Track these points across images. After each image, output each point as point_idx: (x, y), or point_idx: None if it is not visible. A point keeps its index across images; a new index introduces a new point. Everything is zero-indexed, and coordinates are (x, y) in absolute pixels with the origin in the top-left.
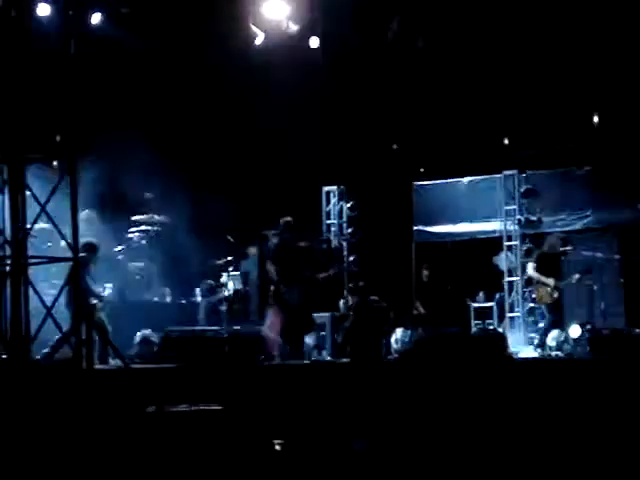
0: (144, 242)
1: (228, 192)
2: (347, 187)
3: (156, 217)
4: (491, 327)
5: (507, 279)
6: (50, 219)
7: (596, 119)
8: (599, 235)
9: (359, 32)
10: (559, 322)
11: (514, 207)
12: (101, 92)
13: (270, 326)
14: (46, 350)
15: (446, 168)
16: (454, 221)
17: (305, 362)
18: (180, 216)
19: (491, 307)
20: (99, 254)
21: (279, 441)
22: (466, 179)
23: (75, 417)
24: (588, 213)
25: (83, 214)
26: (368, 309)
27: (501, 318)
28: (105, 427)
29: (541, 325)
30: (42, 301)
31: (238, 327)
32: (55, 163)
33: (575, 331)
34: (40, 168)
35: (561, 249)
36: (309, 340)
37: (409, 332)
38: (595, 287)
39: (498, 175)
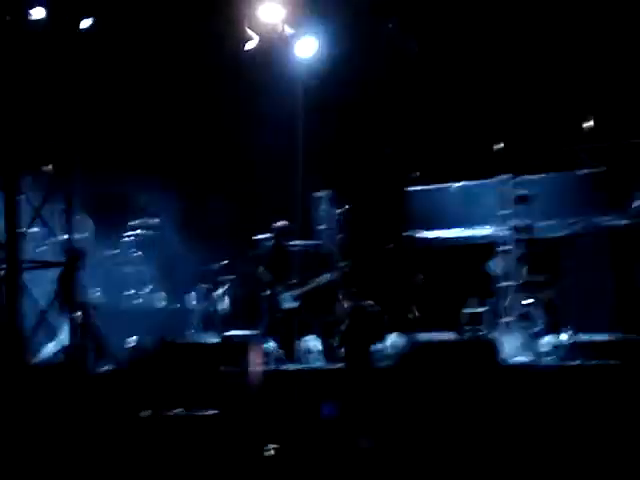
0: (138, 247)
1: (223, 196)
2: (338, 192)
3: (150, 222)
4: (483, 333)
5: (500, 284)
6: (44, 223)
7: (589, 124)
8: (590, 240)
9: (353, 36)
10: (555, 325)
11: (507, 212)
12: (94, 95)
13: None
14: (43, 355)
15: (439, 173)
16: (447, 226)
17: (299, 367)
18: (174, 221)
19: (483, 312)
20: (87, 260)
21: (273, 446)
22: (459, 184)
23: (70, 421)
24: (580, 218)
25: (77, 218)
26: (363, 314)
27: (494, 323)
28: (100, 432)
29: (534, 330)
30: (36, 306)
31: (232, 333)
32: (50, 167)
33: (565, 337)
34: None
35: (548, 252)
36: (303, 345)
37: (404, 336)
38: (586, 292)
39: (491, 180)
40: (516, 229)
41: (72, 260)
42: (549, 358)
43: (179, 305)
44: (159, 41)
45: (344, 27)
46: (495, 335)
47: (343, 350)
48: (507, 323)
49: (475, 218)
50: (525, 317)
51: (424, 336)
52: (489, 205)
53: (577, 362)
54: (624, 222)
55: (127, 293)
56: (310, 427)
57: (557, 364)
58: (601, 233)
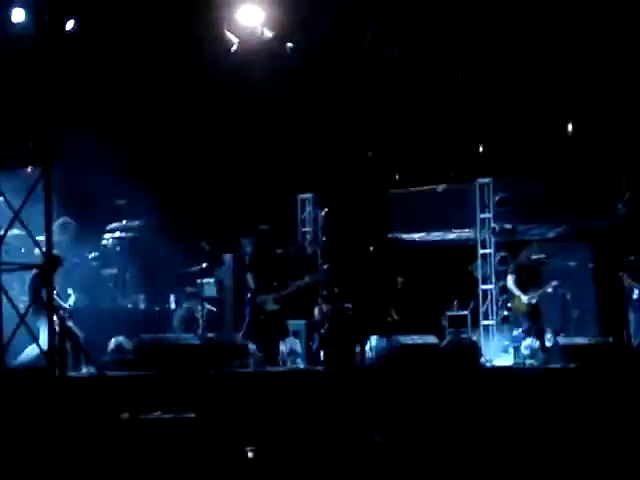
0: (117, 248)
1: (203, 199)
2: (322, 194)
3: (130, 223)
4: (465, 335)
5: (481, 287)
6: (23, 226)
7: (570, 128)
8: (573, 243)
9: (334, 39)
10: (538, 330)
11: (489, 215)
12: (72, 95)
13: None
14: (21, 359)
15: (421, 176)
16: (429, 229)
17: (279, 369)
18: (154, 222)
19: (465, 315)
20: (63, 262)
21: (252, 448)
22: (441, 187)
23: (48, 425)
24: (562, 221)
25: (59, 221)
26: (343, 316)
27: (475, 326)
28: (79, 434)
29: (515, 333)
30: (15, 308)
31: (212, 335)
32: (29, 169)
33: (548, 339)
34: (14, 174)
35: (534, 257)
36: (284, 347)
37: (384, 339)
38: (569, 295)
39: (473, 183)
40: (497, 232)
41: (47, 263)
42: (530, 361)
43: (159, 307)
44: (140, 44)
45: (325, 31)
46: (477, 338)
47: (323, 352)
48: (489, 326)
49: (456, 221)
50: (506, 320)
51: (405, 339)
52: (470, 208)
53: (558, 365)
54: (607, 225)
55: (107, 295)
56: (290, 429)
57: (538, 367)
58: (584, 236)
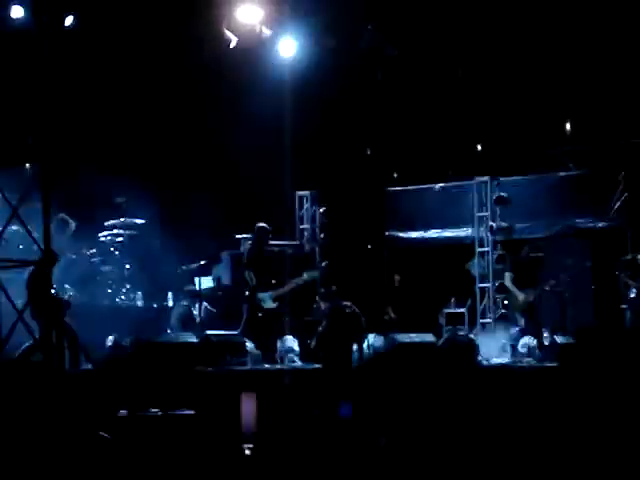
0: (116, 246)
1: (202, 196)
2: (320, 192)
3: (128, 221)
4: (462, 333)
5: (479, 285)
6: (22, 222)
7: (568, 126)
8: (570, 242)
9: (333, 37)
10: (535, 328)
11: (486, 214)
12: (72, 94)
13: None
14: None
15: (419, 174)
16: (426, 227)
17: (277, 367)
18: (152, 220)
19: (463, 313)
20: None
21: (249, 446)
22: (439, 185)
23: (46, 421)
24: (560, 220)
25: (57, 217)
26: (341, 315)
27: (472, 324)
28: (76, 431)
29: (512, 331)
30: (13, 305)
31: (210, 332)
32: (28, 166)
33: (545, 338)
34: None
35: (532, 255)
36: (281, 345)
37: (381, 337)
38: (566, 294)
39: (471, 181)
40: (494, 230)
41: (44, 259)
42: (528, 359)
43: (157, 305)
44: (139, 42)
45: (324, 29)
46: (474, 336)
47: (321, 351)
48: (486, 324)
49: (454, 219)
50: (504, 318)
51: (402, 337)
52: (468, 206)
53: (555, 364)
54: (604, 224)
55: (105, 292)
56: (286, 427)
57: (536, 365)
58: (581, 235)
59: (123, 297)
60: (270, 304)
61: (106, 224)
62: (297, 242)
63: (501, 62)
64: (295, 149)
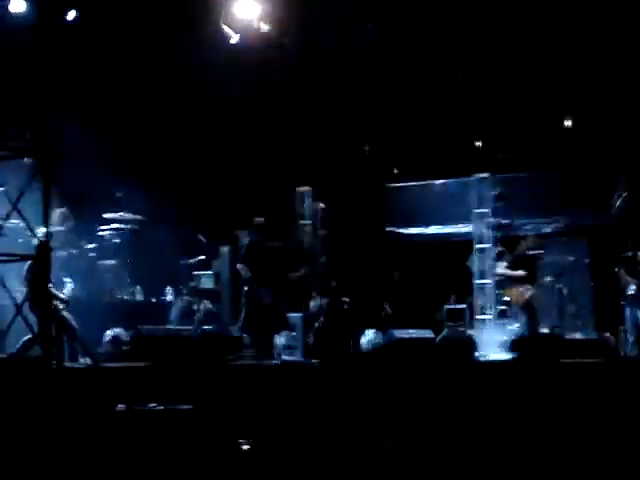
0: (115, 240)
1: (201, 191)
2: (320, 188)
3: (127, 215)
4: (461, 329)
5: (478, 281)
6: (21, 216)
7: (568, 123)
8: (570, 238)
9: (331, 33)
10: (533, 324)
11: (486, 210)
12: (70, 88)
13: None
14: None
15: (419, 170)
16: (426, 223)
17: (275, 362)
18: (151, 215)
19: (462, 309)
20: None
21: (247, 441)
22: (439, 181)
23: (44, 415)
24: (559, 216)
25: (57, 212)
26: (339, 310)
27: (472, 320)
28: (74, 425)
29: (511, 328)
30: (12, 299)
31: (209, 327)
32: (27, 160)
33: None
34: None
35: (531, 252)
36: (280, 340)
37: (379, 333)
38: (565, 290)
39: (470, 178)
40: (494, 227)
41: (42, 253)
42: None
43: (156, 299)
44: (138, 38)
45: (323, 25)
46: (473, 332)
47: (318, 346)
48: (485, 320)
49: (454, 216)
50: (503, 314)
51: (401, 333)
52: (468, 203)
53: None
54: (604, 221)
55: (104, 286)
56: (284, 422)
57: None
58: (581, 232)
59: (122, 292)
60: (269, 299)
61: (105, 218)
62: (297, 238)
63: (501, 59)
64: (295, 145)
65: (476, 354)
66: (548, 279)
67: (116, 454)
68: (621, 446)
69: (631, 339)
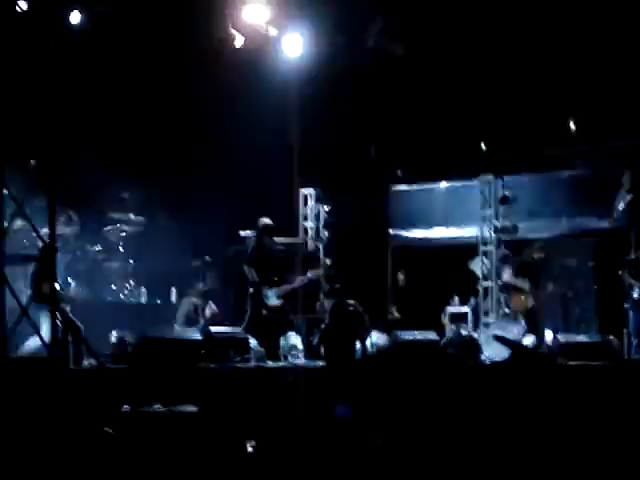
0: (120, 242)
1: (207, 192)
2: (324, 190)
3: (132, 217)
4: (465, 332)
5: (482, 284)
6: (26, 218)
7: (572, 125)
8: (574, 242)
9: (339, 36)
10: (535, 329)
11: (490, 212)
12: (79, 90)
13: None
14: (25, 350)
15: (423, 172)
16: (430, 225)
17: (281, 364)
18: (157, 216)
19: (466, 312)
20: (62, 254)
21: (252, 443)
22: (443, 184)
23: (49, 416)
24: (563, 219)
25: (62, 214)
26: (344, 312)
27: (476, 323)
28: (79, 427)
29: (515, 331)
30: (17, 300)
31: (214, 328)
32: (32, 162)
33: (548, 337)
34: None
35: (536, 255)
36: (284, 342)
37: (384, 336)
38: (569, 294)
39: (474, 181)
40: (498, 230)
41: (46, 255)
42: None
43: (161, 301)
44: (145, 39)
45: (331, 26)
46: (477, 335)
47: (323, 348)
48: (489, 323)
49: (458, 218)
50: (507, 317)
51: (405, 335)
52: (472, 205)
53: (557, 362)
54: (608, 224)
55: (109, 288)
56: (290, 424)
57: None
58: (585, 234)
59: (127, 293)
60: (275, 301)
61: (110, 219)
62: (301, 240)
63: (506, 60)
64: (300, 146)
65: (481, 357)
66: (551, 287)
67: (121, 455)
68: (624, 448)
69: (635, 342)
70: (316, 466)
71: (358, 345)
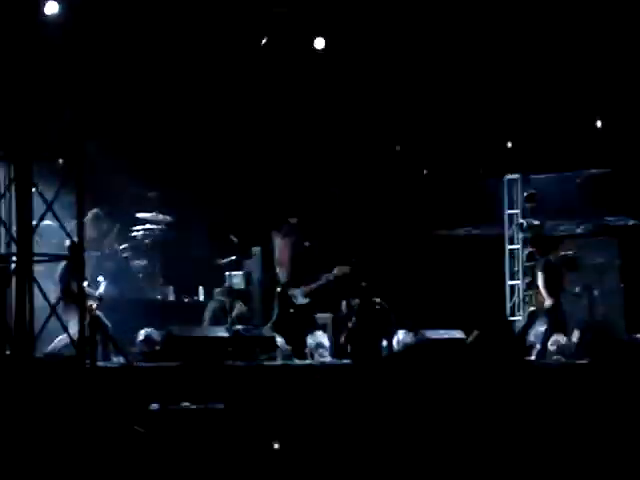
0: (148, 240)
1: (233, 191)
2: (348, 189)
3: (160, 216)
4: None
5: (509, 283)
6: (56, 217)
7: (599, 123)
8: (600, 240)
9: (364, 33)
10: (561, 326)
11: (516, 211)
12: (109, 89)
13: None
14: (53, 348)
15: (449, 171)
16: (459, 224)
17: (307, 362)
18: (184, 215)
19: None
20: (91, 253)
21: (278, 441)
22: (471, 182)
23: (78, 415)
24: (590, 217)
25: (90, 213)
26: (370, 311)
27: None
28: (108, 425)
29: (540, 329)
30: (46, 299)
31: (240, 327)
32: (61, 161)
33: (575, 336)
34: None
35: (563, 254)
36: (311, 340)
37: (411, 333)
38: (596, 292)
39: (501, 179)
40: (525, 228)
41: (75, 254)
42: (556, 357)
43: (188, 299)
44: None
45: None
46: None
47: (350, 346)
48: (515, 322)
49: (485, 216)
50: (533, 315)
51: (431, 333)
52: (498, 203)
53: (584, 361)
54: (635, 222)
55: (137, 287)
56: (316, 422)
57: (565, 363)
58: (611, 233)
59: (154, 292)
60: (302, 300)
61: (138, 219)
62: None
63: (532, 59)
64: (327, 145)
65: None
66: (577, 290)
67: (149, 453)
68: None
69: None
70: (341, 464)
71: (384, 343)
